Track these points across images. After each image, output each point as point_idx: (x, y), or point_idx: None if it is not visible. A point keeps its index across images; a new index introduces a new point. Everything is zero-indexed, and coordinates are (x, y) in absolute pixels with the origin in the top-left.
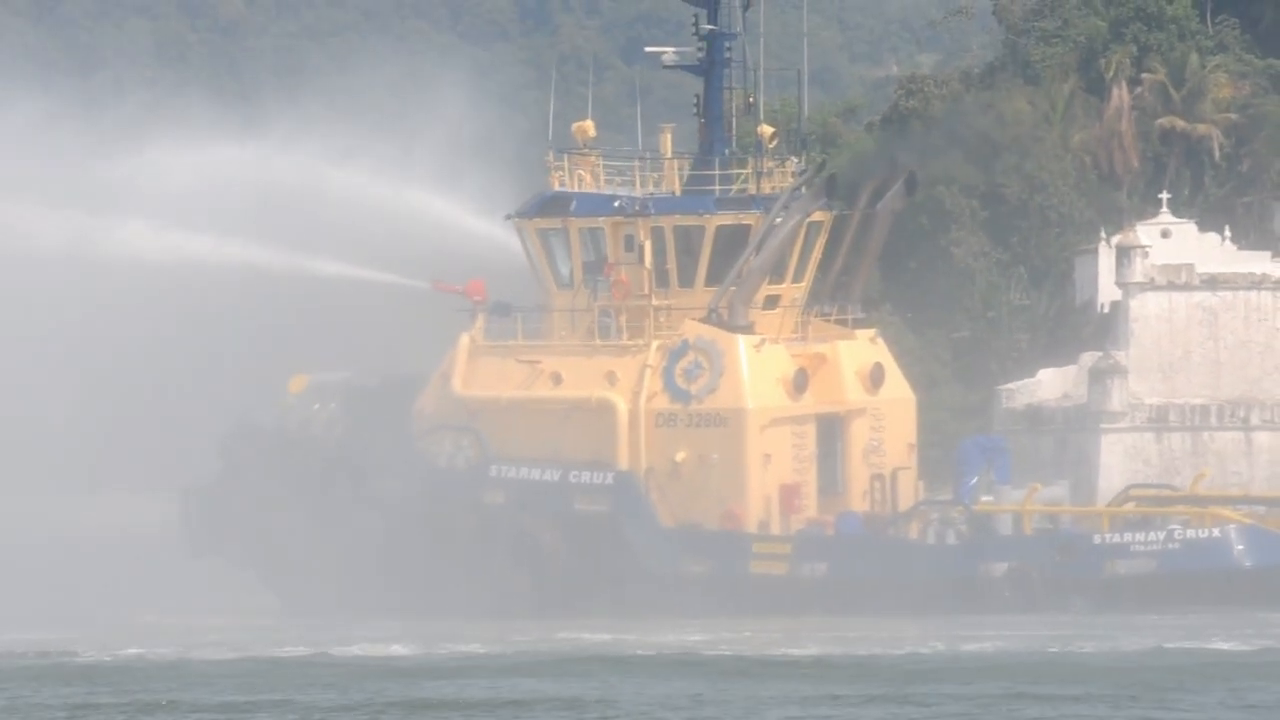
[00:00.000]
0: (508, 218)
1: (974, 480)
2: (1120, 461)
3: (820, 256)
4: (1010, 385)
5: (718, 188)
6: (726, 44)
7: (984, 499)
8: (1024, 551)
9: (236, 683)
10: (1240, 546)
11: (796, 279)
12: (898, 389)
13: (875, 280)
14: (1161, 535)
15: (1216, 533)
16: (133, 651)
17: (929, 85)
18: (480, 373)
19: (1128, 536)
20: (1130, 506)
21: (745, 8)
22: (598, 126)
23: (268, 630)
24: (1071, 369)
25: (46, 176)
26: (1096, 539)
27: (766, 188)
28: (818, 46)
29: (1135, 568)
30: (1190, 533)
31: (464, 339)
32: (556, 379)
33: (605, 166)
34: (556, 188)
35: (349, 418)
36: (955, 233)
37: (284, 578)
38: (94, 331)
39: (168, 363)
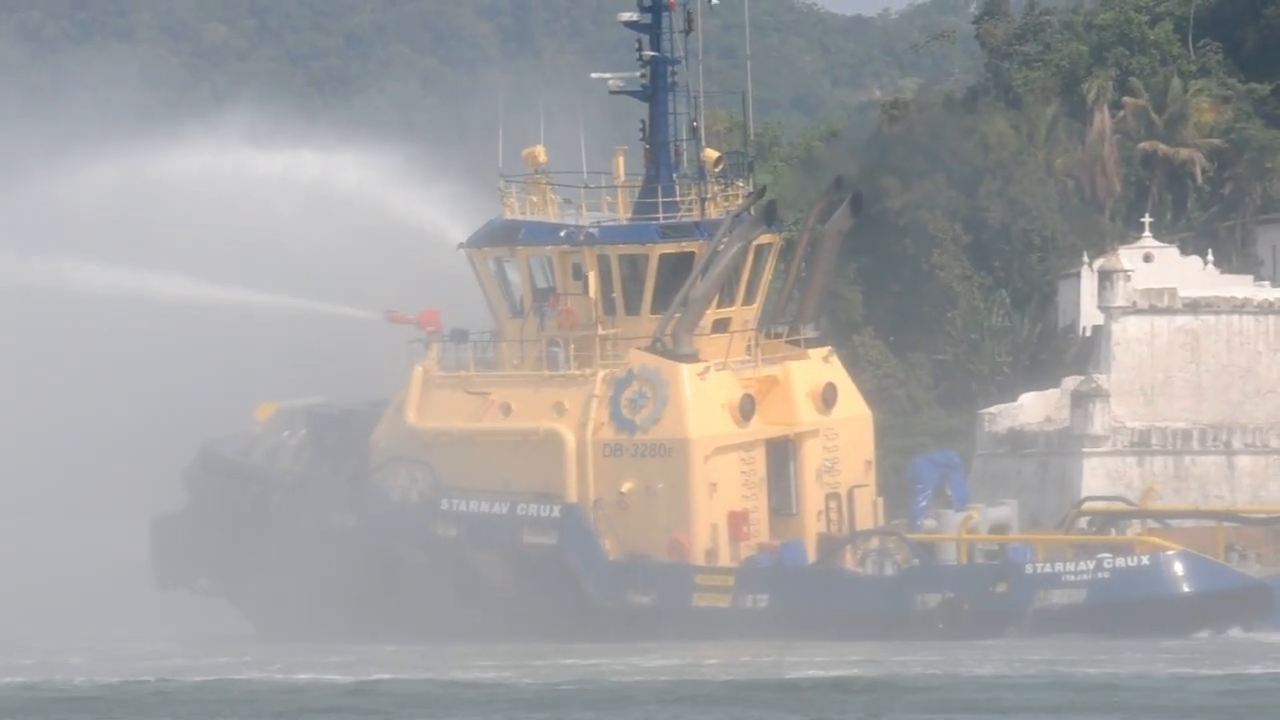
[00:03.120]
0: (459, 246)
1: (924, 501)
2: (1102, 485)
3: (771, 277)
4: (992, 409)
5: (661, 216)
6: (670, 69)
7: (927, 523)
8: (958, 582)
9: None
10: (1171, 574)
11: (747, 301)
12: (852, 407)
13: (857, 303)
14: (1091, 564)
15: (1146, 560)
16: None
17: (912, 110)
18: (434, 404)
19: (1059, 566)
20: (1073, 533)
21: (686, 33)
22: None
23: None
24: (1054, 392)
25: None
26: (1029, 569)
27: (712, 212)
28: (800, 71)
29: (1066, 598)
30: (1120, 561)
31: (417, 370)
32: (506, 410)
33: (558, 192)
34: (508, 215)
35: (313, 446)
36: (938, 256)
37: (252, 606)
38: (64, 360)
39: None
